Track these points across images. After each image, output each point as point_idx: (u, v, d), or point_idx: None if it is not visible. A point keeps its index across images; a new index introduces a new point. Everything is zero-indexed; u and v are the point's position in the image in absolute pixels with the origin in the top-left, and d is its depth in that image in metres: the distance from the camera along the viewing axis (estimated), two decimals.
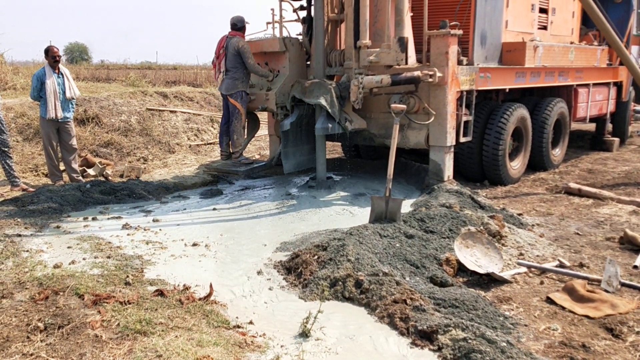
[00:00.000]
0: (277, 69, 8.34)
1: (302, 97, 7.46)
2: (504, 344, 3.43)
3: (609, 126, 12.18)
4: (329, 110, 7.22)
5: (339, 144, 10.97)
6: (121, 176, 9.11)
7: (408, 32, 7.18)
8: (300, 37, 8.60)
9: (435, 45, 7.20)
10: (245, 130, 8.84)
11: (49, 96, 8.02)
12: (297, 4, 8.72)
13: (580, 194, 7.81)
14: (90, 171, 9.00)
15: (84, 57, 52.12)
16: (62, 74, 8.21)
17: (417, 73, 6.99)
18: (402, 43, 6.87)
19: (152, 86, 16.86)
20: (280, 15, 8.63)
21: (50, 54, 8.13)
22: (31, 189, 7.79)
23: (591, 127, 12.64)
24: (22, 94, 12.66)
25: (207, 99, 14.31)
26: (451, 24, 7.17)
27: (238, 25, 8.41)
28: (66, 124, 8.28)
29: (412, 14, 7.61)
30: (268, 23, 8.77)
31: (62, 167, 8.57)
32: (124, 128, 11.02)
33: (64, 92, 8.20)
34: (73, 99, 8.34)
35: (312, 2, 8.05)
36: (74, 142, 8.42)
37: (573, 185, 8.04)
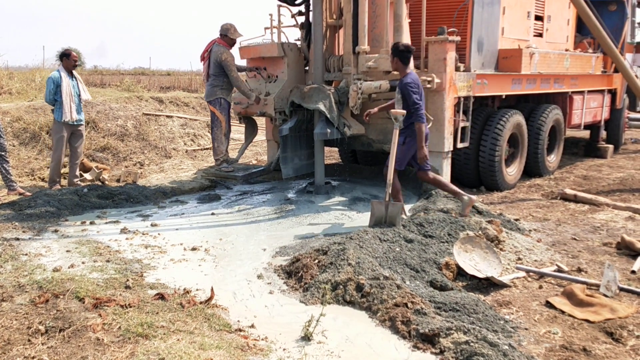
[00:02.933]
0: (276, 74, 8.35)
1: (301, 102, 7.48)
2: (506, 347, 3.44)
3: (603, 133, 12.25)
4: (328, 116, 7.25)
5: (336, 149, 10.99)
6: (118, 181, 9.09)
7: (406, 38, 7.22)
8: (298, 43, 8.63)
9: (433, 51, 7.25)
10: (230, 134, 8.80)
11: (64, 99, 8.08)
12: (295, 10, 8.75)
13: (576, 200, 7.85)
14: (87, 176, 8.98)
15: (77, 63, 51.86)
16: (75, 78, 8.32)
17: None
18: None
19: (147, 91, 16.84)
20: (279, 21, 8.65)
21: (72, 58, 8.26)
22: (28, 193, 7.76)
23: (585, 134, 12.73)
24: (17, 98, 12.64)
25: (202, 104, 14.30)
26: (449, 30, 7.21)
27: (220, 33, 8.42)
28: (79, 127, 8.37)
29: (410, 20, 7.66)
30: (266, 28, 8.77)
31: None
32: (120, 133, 11.01)
33: (79, 95, 8.31)
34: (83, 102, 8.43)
35: (311, 8, 8.09)
36: (82, 146, 8.52)
37: (569, 191, 8.08)
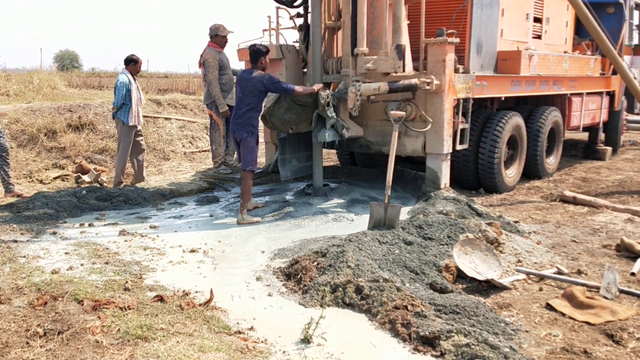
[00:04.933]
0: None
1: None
2: (507, 349, 3.43)
3: (602, 135, 12.25)
4: (327, 118, 7.23)
5: (334, 151, 10.97)
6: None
7: (405, 40, 7.21)
8: (297, 45, 8.61)
9: (432, 53, 7.24)
10: (225, 137, 8.78)
11: (134, 103, 8.46)
12: (293, 11, 8.74)
13: (575, 202, 7.85)
14: (85, 177, 8.96)
15: (74, 65, 51.82)
16: (136, 83, 8.63)
17: (414, 81, 7.01)
18: (400, 50, 6.90)
19: (145, 94, 16.80)
20: (277, 23, 8.63)
21: (139, 64, 8.66)
22: (26, 195, 7.74)
23: (584, 136, 12.73)
24: (15, 100, 12.60)
25: (200, 106, 14.27)
26: (448, 32, 7.21)
27: (210, 35, 8.41)
28: (139, 129, 8.80)
29: (409, 22, 7.65)
30: (264, 30, 8.76)
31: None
32: None
33: (140, 99, 8.69)
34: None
35: (309, 10, 8.07)
36: (144, 143, 9.04)
37: (568, 193, 8.08)
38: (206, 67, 8.13)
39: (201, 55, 8.51)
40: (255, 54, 6.81)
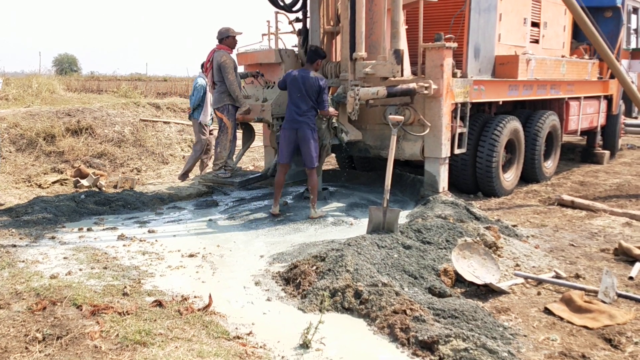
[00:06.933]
0: (273, 80, 8.34)
1: None
2: (505, 354, 3.44)
3: (599, 139, 12.28)
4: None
5: (333, 155, 10.97)
6: (115, 187, 9.07)
7: (403, 45, 7.23)
8: (296, 49, 8.63)
9: (430, 57, 7.26)
10: (231, 141, 8.77)
11: (208, 104, 9.35)
12: (293, 16, 8.76)
13: (573, 205, 7.87)
14: (84, 182, 8.98)
15: (73, 69, 51.83)
16: None
17: (412, 85, 7.04)
18: (398, 55, 6.92)
19: (144, 97, 16.83)
20: (276, 27, 8.65)
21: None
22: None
23: (582, 139, 12.76)
24: (14, 104, 12.62)
25: None
26: (446, 36, 7.23)
27: (219, 38, 8.36)
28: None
29: (407, 27, 7.67)
30: (264, 34, 8.78)
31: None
32: (118, 139, 11.00)
33: None
34: None
35: (308, 14, 8.10)
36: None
37: (566, 197, 8.10)
38: (224, 68, 7.98)
39: (209, 60, 8.41)
40: (315, 54, 7.06)
